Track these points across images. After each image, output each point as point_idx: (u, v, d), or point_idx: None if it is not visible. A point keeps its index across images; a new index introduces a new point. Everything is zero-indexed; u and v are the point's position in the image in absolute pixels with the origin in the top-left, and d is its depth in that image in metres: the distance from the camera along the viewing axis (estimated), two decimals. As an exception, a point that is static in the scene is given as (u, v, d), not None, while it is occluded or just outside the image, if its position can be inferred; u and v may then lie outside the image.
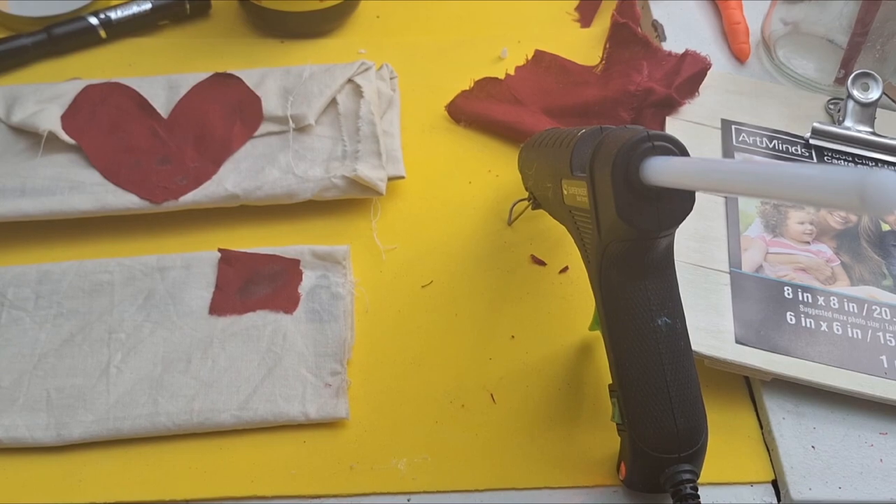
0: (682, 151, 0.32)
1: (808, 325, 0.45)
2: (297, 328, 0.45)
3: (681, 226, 0.47)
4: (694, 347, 0.41)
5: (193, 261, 0.47)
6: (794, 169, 0.24)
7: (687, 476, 0.36)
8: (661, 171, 0.31)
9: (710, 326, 0.44)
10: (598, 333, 0.41)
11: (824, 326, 0.45)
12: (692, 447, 0.36)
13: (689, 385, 0.36)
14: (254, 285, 0.46)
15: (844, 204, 0.22)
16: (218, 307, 0.45)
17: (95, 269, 0.47)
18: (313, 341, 0.44)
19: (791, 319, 0.45)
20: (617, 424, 0.39)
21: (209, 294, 0.46)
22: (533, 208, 0.48)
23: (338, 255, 0.47)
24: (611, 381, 0.38)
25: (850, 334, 0.44)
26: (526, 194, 0.49)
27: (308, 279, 0.47)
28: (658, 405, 0.36)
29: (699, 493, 0.36)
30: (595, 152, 0.35)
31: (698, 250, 0.47)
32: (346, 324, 0.45)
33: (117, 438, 0.41)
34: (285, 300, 0.46)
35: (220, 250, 0.48)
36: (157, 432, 0.41)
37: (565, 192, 0.39)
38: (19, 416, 0.41)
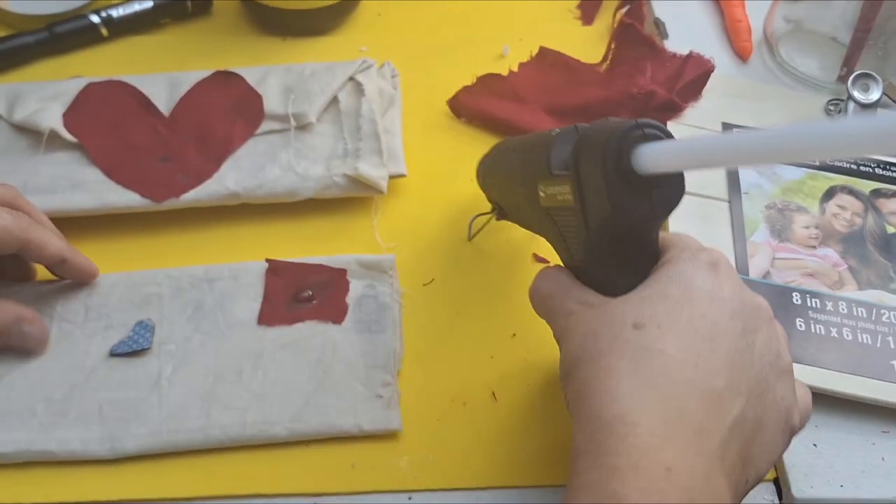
0: (669, 137, 0.32)
1: (818, 331, 0.44)
2: (347, 338, 0.44)
3: (686, 233, 0.47)
4: None
5: (240, 271, 0.47)
6: (779, 130, 0.26)
7: None
8: (656, 156, 0.31)
9: None
10: None
11: (834, 332, 0.44)
12: None
13: None
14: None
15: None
16: (267, 318, 0.45)
17: (144, 282, 0.46)
18: (363, 352, 0.44)
19: (801, 326, 0.44)
20: None
21: (257, 305, 0.45)
22: (498, 219, 0.47)
23: (384, 265, 0.47)
24: None
25: (860, 340, 0.44)
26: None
27: (355, 289, 0.46)
28: None
29: None
30: (580, 147, 0.34)
31: None
32: (394, 334, 0.45)
33: (171, 451, 0.41)
34: (333, 310, 0.45)
35: (267, 261, 0.47)
36: (211, 445, 0.41)
37: (542, 194, 0.38)
38: (72, 429, 0.41)
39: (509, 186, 0.43)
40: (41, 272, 0.47)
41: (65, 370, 0.43)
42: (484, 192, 0.49)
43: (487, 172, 0.48)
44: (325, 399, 0.42)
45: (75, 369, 0.43)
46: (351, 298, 0.46)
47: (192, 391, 0.42)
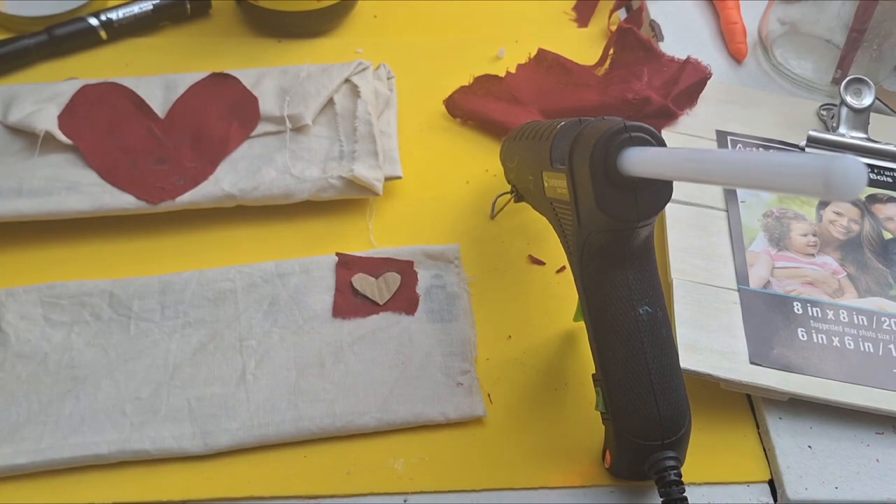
0: (659, 142, 0.33)
1: (820, 340, 0.44)
2: (421, 329, 0.45)
3: (684, 244, 0.47)
4: (709, 371, 0.41)
5: (311, 265, 0.47)
6: (763, 156, 0.25)
7: (671, 463, 0.36)
8: (638, 161, 0.32)
9: (724, 348, 0.43)
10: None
11: (836, 341, 0.44)
12: (675, 434, 0.36)
13: (672, 373, 0.36)
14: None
15: (810, 189, 0.23)
16: (341, 310, 0.46)
17: (217, 278, 0.47)
18: (437, 341, 0.45)
19: (802, 336, 0.44)
20: (601, 413, 0.39)
21: (330, 297, 0.46)
22: (516, 201, 0.48)
23: (449, 255, 0.48)
24: (594, 371, 0.38)
25: (862, 348, 0.44)
26: (509, 187, 0.49)
27: (423, 280, 0.47)
28: (640, 393, 0.36)
29: (682, 479, 0.36)
30: (574, 144, 0.35)
31: (705, 268, 0.47)
32: (467, 322, 0.45)
33: (264, 444, 0.41)
34: (405, 301, 0.46)
35: (337, 254, 0.48)
36: (302, 437, 0.41)
37: (546, 185, 0.40)
38: (164, 426, 0.41)
39: (522, 172, 0.45)
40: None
41: (148, 368, 0.43)
42: (504, 173, 0.51)
43: (506, 156, 0.49)
44: (408, 389, 0.43)
45: (159, 367, 0.43)
46: (420, 289, 0.47)
47: (278, 385, 0.43)
